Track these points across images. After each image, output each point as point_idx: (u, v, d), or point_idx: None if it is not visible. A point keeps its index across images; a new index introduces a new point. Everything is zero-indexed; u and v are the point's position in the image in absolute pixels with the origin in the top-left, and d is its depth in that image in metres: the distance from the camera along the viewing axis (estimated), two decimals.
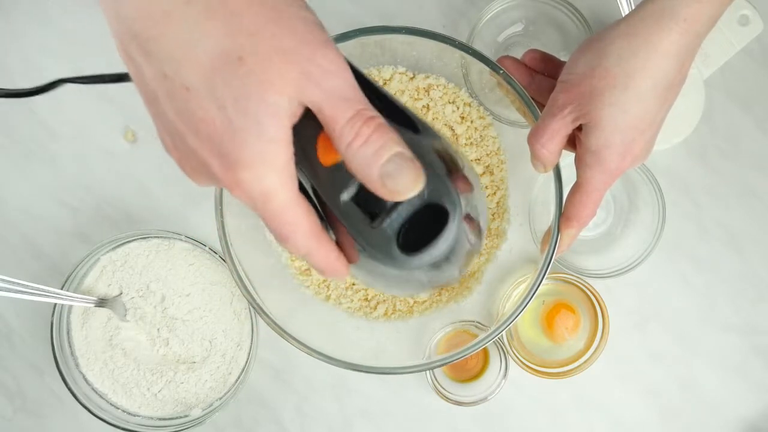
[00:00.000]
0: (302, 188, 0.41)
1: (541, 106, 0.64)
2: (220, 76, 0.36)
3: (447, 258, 0.43)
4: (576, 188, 0.60)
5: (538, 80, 0.67)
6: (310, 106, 0.37)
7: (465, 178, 0.45)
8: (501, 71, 0.64)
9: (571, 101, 0.57)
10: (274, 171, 0.37)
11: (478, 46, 0.76)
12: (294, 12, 0.38)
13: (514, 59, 0.68)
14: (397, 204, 0.40)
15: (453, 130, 0.76)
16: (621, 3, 0.72)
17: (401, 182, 0.37)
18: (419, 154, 0.39)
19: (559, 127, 0.58)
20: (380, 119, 0.38)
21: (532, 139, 0.59)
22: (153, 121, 0.40)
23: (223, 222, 0.66)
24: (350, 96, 0.37)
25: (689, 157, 0.78)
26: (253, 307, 0.67)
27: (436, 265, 0.43)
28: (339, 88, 0.37)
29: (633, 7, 0.72)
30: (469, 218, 0.45)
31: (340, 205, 0.40)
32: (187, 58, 0.36)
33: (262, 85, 0.36)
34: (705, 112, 0.75)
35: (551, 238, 0.62)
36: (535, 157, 0.60)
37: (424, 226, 0.40)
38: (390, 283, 0.48)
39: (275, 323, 0.66)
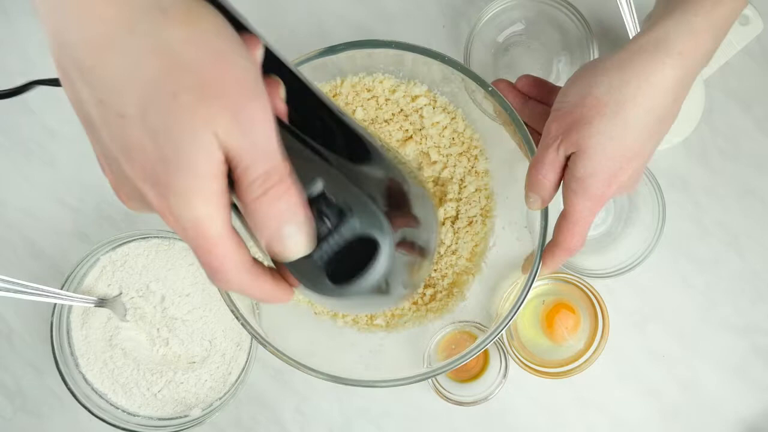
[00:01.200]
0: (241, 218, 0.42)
1: (533, 131, 0.64)
2: (155, 108, 0.37)
3: (381, 286, 0.43)
4: (563, 216, 0.60)
5: (531, 105, 0.67)
6: (229, 152, 0.38)
7: (406, 205, 0.46)
8: (489, 88, 0.65)
9: (562, 131, 0.57)
10: (205, 202, 0.38)
11: (477, 46, 0.76)
12: (235, 60, 0.38)
13: (508, 83, 0.68)
14: (328, 235, 0.40)
15: (443, 136, 0.76)
16: (621, 3, 0.72)
17: (292, 247, 0.39)
18: (354, 182, 0.41)
19: (553, 158, 0.58)
20: (290, 181, 0.39)
21: (533, 171, 0.59)
22: (90, 143, 0.40)
23: None
24: (269, 150, 0.38)
25: (689, 157, 0.78)
26: (249, 332, 0.67)
27: (374, 292, 0.43)
28: (261, 140, 0.38)
29: (632, 7, 0.72)
30: (410, 243, 0.46)
31: None
32: (124, 87, 0.37)
33: (194, 123, 0.37)
34: (705, 112, 0.75)
35: (534, 261, 0.63)
36: (534, 188, 0.60)
37: (354, 257, 0.41)
38: (336, 305, 0.48)
39: (279, 351, 0.67)
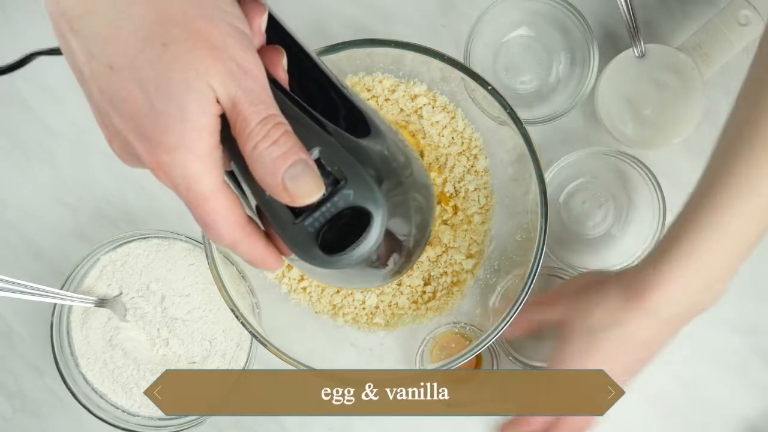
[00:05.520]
0: (236, 181, 0.42)
1: None
2: (145, 57, 0.36)
3: (372, 259, 0.43)
4: None
5: None
6: (226, 102, 0.38)
7: (403, 183, 0.46)
8: (489, 87, 0.65)
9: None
10: (197, 157, 0.37)
11: (477, 45, 0.76)
12: (223, 16, 0.38)
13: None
14: (322, 203, 0.40)
15: (442, 136, 0.76)
16: (621, 2, 0.72)
17: (303, 186, 0.38)
18: (351, 153, 0.41)
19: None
20: (288, 126, 0.38)
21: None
22: (87, 100, 0.40)
23: (214, 257, 0.66)
24: (265, 99, 0.38)
25: (689, 157, 0.78)
26: (249, 332, 0.67)
27: (365, 265, 0.43)
28: (256, 90, 0.38)
29: (632, 7, 0.72)
30: (404, 220, 0.46)
31: (265, 198, 0.40)
32: (114, 37, 0.37)
33: (187, 72, 0.36)
34: (705, 112, 0.75)
35: (533, 259, 0.65)
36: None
37: (346, 228, 0.41)
38: (326, 277, 0.48)
39: (279, 351, 0.67)
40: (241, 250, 0.41)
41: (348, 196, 0.40)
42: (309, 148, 0.40)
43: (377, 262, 0.45)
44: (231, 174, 0.42)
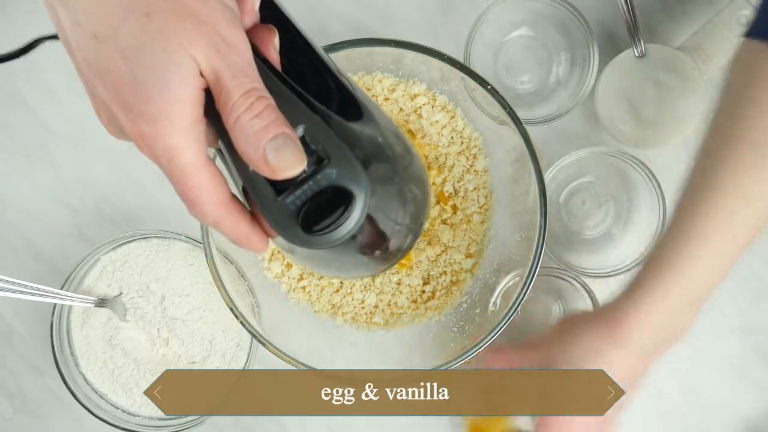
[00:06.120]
0: (225, 161, 0.42)
1: None
2: (128, 28, 0.36)
3: (357, 244, 0.43)
4: None
5: None
6: (210, 75, 0.37)
7: (394, 170, 0.46)
8: (489, 87, 0.65)
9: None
10: (179, 130, 0.37)
11: (478, 46, 0.76)
12: None
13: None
14: (303, 181, 0.40)
15: (441, 135, 0.76)
16: (621, 2, 0.72)
17: (284, 159, 0.38)
18: (338, 134, 0.41)
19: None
20: (272, 101, 0.38)
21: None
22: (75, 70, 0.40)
23: (213, 257, 0.66)
24: (249, 73, 0.38)
25: (689, 157, 0.78)
26: (249, 332, 0.67)
27: (348, 249, 0.43)
28: (240, 64, 0.38)
29: (633, 7, 0.72)
30: (392, 207, 0.46)
31: (249, 174, 0.40)
32: (98, 7, 0.37)
33: (170, 44, 0.36)
34: (705, 112, 0.75)
35: (533, 259, 0.65)
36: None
37: (328, 207, 0.41)
38: (312, 261, 0.49)
39: (279, 351, 0.67)
40: (224, 229, 0.41)
41: (330, 175, 0.40)
42: (294, 125, 0.40)
43: (363, 247, 0.45)
44: (221, 153, 0.42)
